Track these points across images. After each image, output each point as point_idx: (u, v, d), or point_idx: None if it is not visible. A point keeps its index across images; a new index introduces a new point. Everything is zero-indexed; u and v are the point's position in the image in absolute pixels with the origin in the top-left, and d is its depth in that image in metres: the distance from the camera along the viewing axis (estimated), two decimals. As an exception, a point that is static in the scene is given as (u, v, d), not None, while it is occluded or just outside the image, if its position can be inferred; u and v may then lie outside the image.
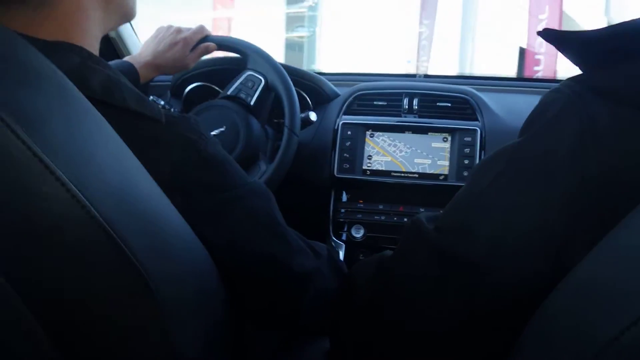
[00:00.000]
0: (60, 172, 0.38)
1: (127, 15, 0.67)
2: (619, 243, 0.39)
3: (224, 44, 1.19)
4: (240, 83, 1.16)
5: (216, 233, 0.59)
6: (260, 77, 1.16)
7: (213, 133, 1.11)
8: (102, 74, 0.56)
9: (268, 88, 1.16)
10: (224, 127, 1.11)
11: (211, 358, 0.57)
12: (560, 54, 0.49)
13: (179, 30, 1.10)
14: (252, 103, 1.15)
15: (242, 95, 1.16)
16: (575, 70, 0.51)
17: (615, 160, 0.44)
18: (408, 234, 0.57)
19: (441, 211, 0.56)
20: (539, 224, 0.46)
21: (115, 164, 0.45)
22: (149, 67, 1.06)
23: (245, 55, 1.17)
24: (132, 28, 1.59)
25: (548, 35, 0.50)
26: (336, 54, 8.00)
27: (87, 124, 0.44)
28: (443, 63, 8.22)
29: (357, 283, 0.61)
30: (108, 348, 0.47)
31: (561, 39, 0.49)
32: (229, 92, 1.16)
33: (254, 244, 0.62)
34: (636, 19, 0.45)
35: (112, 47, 1.55)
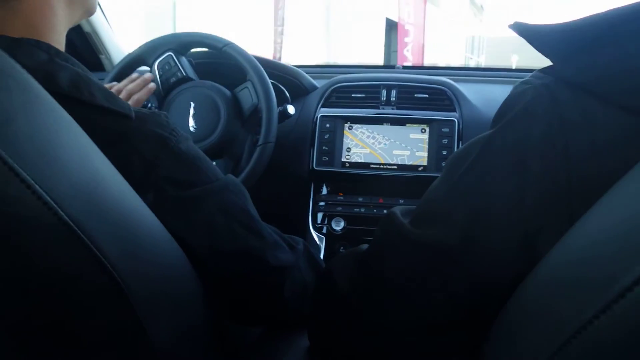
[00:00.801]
0: (25, 173, 0.38)
1: (89, 10, 0.66)
2: (586, 231, 0.40)
3: (195, 40, 1.18)
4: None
5: (190, 229, 0.59)
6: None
7: (191, 112, 1.11)
8: (71, 71, 0.56)
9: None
10: (204, 105, 1.10)
11: (189, 352, 0.57)
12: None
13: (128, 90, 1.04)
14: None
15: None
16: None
17: (583, 150, 0.44)
18: (383, 228, 0.57)
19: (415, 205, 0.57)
20: (513, 210, 0.47)
21: (83, 163, 0.45)
22: None
23: (219, 51, 1.16)
24: (108, 23, 1.57)
25: (518, 28, 0.50)
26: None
27: (52, 123, 0.43)
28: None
29: (335, 278, 0.61)
30: (85, 343, 0.47)
31: (530, 32, 0.50)
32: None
33: (228, 239, 0.61)
34: (600, 14, 0.45)
35: (88, 42, 1.53)
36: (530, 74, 0.52)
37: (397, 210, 0.57)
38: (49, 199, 0.39)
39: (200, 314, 0.60)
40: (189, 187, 0.60)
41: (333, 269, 0.63)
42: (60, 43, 0.59)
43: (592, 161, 0.44)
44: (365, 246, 0.61)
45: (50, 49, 0.56)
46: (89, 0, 0.64)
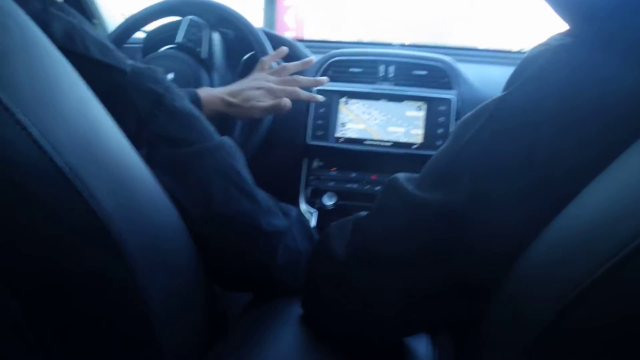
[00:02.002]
0: (21, 115, 0.36)
1: None
2: (590, 199, 0.39)
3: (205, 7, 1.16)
4: (186, 30, 1.11)
5: (183, 188, 0.58)
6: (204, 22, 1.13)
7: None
8: (64, 21, 0.54)
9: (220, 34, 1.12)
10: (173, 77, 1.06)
11: (180, 311, 0.56)
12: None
13: (267, 78, 0.99)
14: (202, 55, 1.11)
15: (191, 45, 1.11)
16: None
17: (597, 113, 0.43)
18: (386, 192, 0.56)
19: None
20: (521, 171, 0.46)
21: (82, 111, 0.43)
22: (219, 101, 0.95)
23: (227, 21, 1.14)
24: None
25: None
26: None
27: (51, 66, 0.42)
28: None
29: (332, 243, 0.61)
30: (74, 302, 0.45)
31: None
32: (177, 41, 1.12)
33: (221, 200, 0.61)
34: None
35: (81, 6, 1.50)
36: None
37: (401, 175, 0.56)
38: (46, 143, 0.38)
39: (192, 274, 0.59)
40: (184, 145, 0.59)
41: (330, 234, 0.63)
42: None
43: (605, 125, 0.43)
44: (363, 213, 0.61)
45: None
46: None
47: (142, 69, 0.59)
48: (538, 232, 0.43)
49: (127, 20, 1.19)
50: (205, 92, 0.95)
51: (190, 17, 1.15)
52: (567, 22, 0.49)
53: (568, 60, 0.46)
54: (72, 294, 0.45)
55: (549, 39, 0.50)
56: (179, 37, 1.13)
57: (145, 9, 1.18)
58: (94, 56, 0.54)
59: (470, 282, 0.50)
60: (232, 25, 1.18)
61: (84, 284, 0.45)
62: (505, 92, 0.50)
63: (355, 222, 0.60)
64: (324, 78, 1.08)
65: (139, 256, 0.46)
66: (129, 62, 0.57)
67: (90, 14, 1.54)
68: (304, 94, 1.01)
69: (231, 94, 0.96)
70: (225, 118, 1.10)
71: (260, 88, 0.97)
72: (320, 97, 1.09)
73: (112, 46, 0.57)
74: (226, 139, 0.65)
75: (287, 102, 0.97)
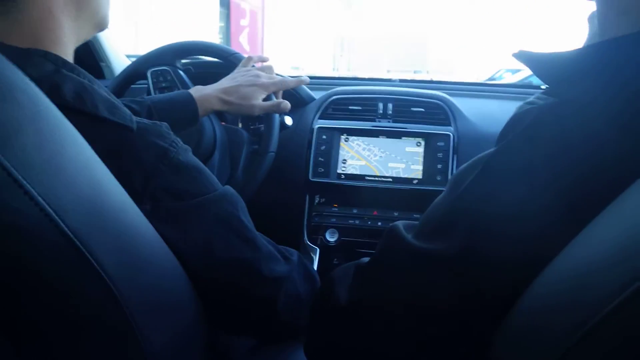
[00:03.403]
0: (29, 185, 0.39)
1: (100, 24, 0.67)
2: (589, 241, 0.41)
3: (209, 50, 1.21)
4: (153, 83, 1.18)
5: (186, 239, 0.60)
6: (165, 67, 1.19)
7: None
8: (76, 82, 0.57)
9: None
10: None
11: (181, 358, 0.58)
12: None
13: (258, 75, 1.04)
14: None
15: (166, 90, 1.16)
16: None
17: (586, 168, 0.46)
18: (386, 241, 0.58)
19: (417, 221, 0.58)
20: (514, 221, 0.48)
21: (86, 175, 0.46)
22: (214, 99, 0.99)
23: (225, 60, 1.18)
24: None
25: (522, 56, 0.53)
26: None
27: (58, 135, 0.44)
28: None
29: (335, 288, 0.62)
30: (80, 353, 0.48)
31: (534, 59, 0.52)
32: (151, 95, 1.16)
33: (223, 249, 0.63)
34: (594, 44, 0.48)
35: (89, 49, 1.55)
36: (522, 89, 0.54)
37: (400, 224, 0.58)
38: (50, 210, 0.40)
39: (194, 324, 0.61)
40: (187, 198, 0.61)
41: (334, 279, 0.64)
42: (67, 55, 0.61)
43: (595, 178, 0.45)
44: (365, 259, 0.63)
45: (57, 60, 0.57)
46: (98, 14, 0.65)
47: (148, 125, 0.61)
48: (536, 270, 0.45)
49: (132, 65, 1.24)
50: (199, 92, 0.99)
51: (150, 70, 1.20)
52: (549, 85, 0.52)
53: (555, 119, 0.48)
54: (71, 337, 0.47)
55: (534, 98, 0.53)
56: (152, 91, 1.18)
57: (148, 54, 1.22)
58: (102, 115, 0.57)
59: (471, 325, 0.52)
60: (209, 54, 1.23)
61: (87, 334, 0.47)
62: (497, 148, 0.52)
63: (358, 269, 0.61)
64: (306, 78, 1.14)
65: (136, 304, 0.48)
66: (135, 119, 0.60)
67: (99, 57, 1.59)
68: (292, 81, 1.09)
69: (226, 92, 1.00)
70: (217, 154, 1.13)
71: (253, 85, 1.02)
72: (306, 78, 1.14)
73: (119, 103, 0.60)
74: (228, 188, 0.67)
75: (287, 104, 1.05)
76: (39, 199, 0.39)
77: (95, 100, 0.57)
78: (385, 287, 0.56)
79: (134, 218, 0.51)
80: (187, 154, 0.63)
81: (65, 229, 0.41)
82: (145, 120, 0.62)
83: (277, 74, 1.10)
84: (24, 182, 0.38)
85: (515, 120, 0.53)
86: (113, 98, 0.60)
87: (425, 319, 0.53)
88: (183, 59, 1.26)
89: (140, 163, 0.58)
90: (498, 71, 9.49)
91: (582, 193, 0.46)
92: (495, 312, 0.48)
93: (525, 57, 0.52)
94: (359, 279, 0.60)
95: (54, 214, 0.40)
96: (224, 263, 0.63)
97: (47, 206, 0.40)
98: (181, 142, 0.63)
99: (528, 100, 0.53)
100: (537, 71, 0.51)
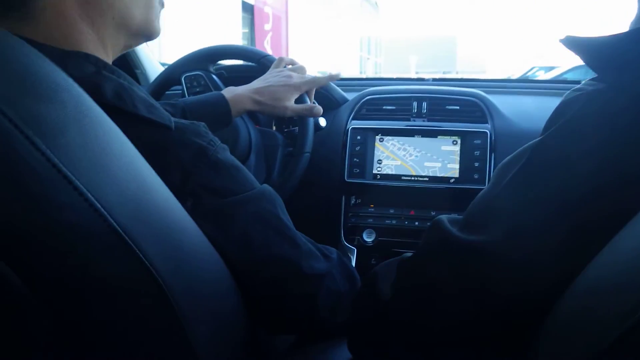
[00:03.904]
0: (77, 181, 0.40)
1: (144, 32, 0.68)
2: (630, 241, 0.40)
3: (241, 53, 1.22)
4: (186, 88, 1.20)
5: (226, 236, 0.60)
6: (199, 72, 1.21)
7: None
8: (116, 82, 0.58)
9: None
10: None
11: (225, 353, 0.58)
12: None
13: (290, 75, 1.04)
14: None
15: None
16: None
17: (633, 156, 0.45)
18: (431, 234, 0.58)
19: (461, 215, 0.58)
20: (558, 211, 0.47)
21: (130, 172, 0.47)
22: (247, 100, 0.99)
23: (257, 62, 1.19)
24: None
25: (569, 41, 0.52)
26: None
27: (102, 133, 0.45)
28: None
29: (378, 286, 0.62)
30: (129, 347, 0.48)
31: (582, 45, 0.51)
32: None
33: (263, 246, 0.63)
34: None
35: (124, 57, 1.58)
36: (557, 84, 0.53)
37: (445, 218, 0.57)
38: (99, 206, 0.41)
39: (236, 318, 0.61)
40: (226, 195, 0.61)
41: (376, 275, 0.64)
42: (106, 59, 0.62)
43: None
44: (408, 254, 0.62)
45: (98, 62, 0.58)
46: (132, 22, 0.66)
47: (186, 124, 0.62)
48: (574, 267, 0.44)
49: (165, 70, 1.26)
50: (231, 93, 0.99)
51: (183, 75, 1.22)
52: (597, 72, 0.51)
53: (603, 106, 0.47)
54: (120, 331, 0.47)
55: (583, 84, 0.52)
56: (186, 95, 1.20)
57: (181, 59, 1.24)
58: (142, 114, 0.58)
59: (515, 312, 0.51)
60: (241, 57, 1.25)
61: (136, 327, 0.48)
62: (543, 136, 0.51)
63: (401, 263, 0.61)
64: (338, 73, 1.13)
65: (182, 300, 0.49)
66: (173, 119, 0.61)
67: (133, 65, 1.62)
68: (323, 78, 1.08)
69: (258, 92, 1.00)
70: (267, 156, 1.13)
71: (285, 85, 1.01)
72: (338, 73, 1.13)
73: (157, 104, 0.61)
74: (266, 187, 0.67)
75: (319, 108, 1.05)
76: (88, 194, 0.40)
77: (134, 99, 0.58)
78: (431, 279, 0.55)
79: (177, 215, 0.52)
80: (225, 153, 0.64)
81: (114, 223, 0.41)
82: (183, 120, 0.62)
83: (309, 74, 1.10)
84: (73, 178, 0.39)
85: (562, 108, 0.52)
86: (151, 99, 0.61)
87: (471, 311, 0.52)
88: (215, 63, 1.27)
89: (179, 161, 0.59)
90: (531, 69, 9.34)
91: (632, 180, 0.45)
92: (539, 301, 0.48)
93: (573, 43, 0.51)
94: (402, 273, 0.60)
95: (102, 209, 0.41)
96: (264, 260, 0.63)
97: (95, 202, 0.40)
98: (219, 141, 0.63)
99: (576, 87, 0.52)
100: (584, 57, 0.50)
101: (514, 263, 0.49)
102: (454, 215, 0.58)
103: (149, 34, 0.69)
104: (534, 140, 0.52)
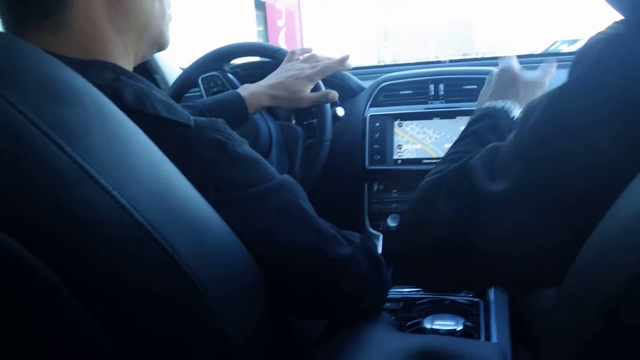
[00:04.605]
0: (103, 180, 0.42)
1: (157, 42, 0.71)
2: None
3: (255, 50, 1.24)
4: (205, 89, 1.22)
5: (250, 226, 0.62)
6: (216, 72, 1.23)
7: None
8: (135, 87, 0.60)
9: None
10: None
11: (260, 346, 0.60)
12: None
13: (301, 68, 1.05)
14: None
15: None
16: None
17: None
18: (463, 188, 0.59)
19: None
20: (583, 159, 0.47)
21: (153, 169, 0.48)
22: (263, 96, 1.01)
23: (271, 56, 1.21)
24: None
25: None
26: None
27: (123, 134, 0.47)
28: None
29: (437, 206, 0.62)
30: (165, 341, 0.50)
31: None
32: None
33: (287, 235, 0.64)
34: None
35: (143, 62, 1.61)
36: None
37: (479, 165, 0.58)
38: (125, 202, 0.43)
39: (267, 309, 0.63)
40: (248, 187, 0.63)
41: (424, 199, 0.67)
42: (126, 67, 0.64)
43: None
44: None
45: (116, 68, 0.61)
46: (150, 31, 0.69)
47: (205, 121, 0.64)
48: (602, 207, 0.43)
49: (183, 73, 1.28)
50: (247, 91, 1.01)
51: (200, 76, 1.25)
52: (621, 12, 0.49)
53: (625, 48, 0.46)
54: (158, 328, 0.49)
55: (606, 28, 0.50)
56: (204, 96, 1.22)
57: (198, 61, 1.26)
58: (162, 115, 0.60)
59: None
60: (254, 53, 1.26)
61: (167, 319, 0.49)
62: (564, 83, 0.51)
63: (462, 170, 0.61)
64: (346, 55, 1.11)
65: (213, 292, 0.50)
66: (192, 117, 0.63)
67: (152, 70, 1.65)
68: (334, 63, 1.08)
69: (273, 88, 1.02)
70: (288, 148, 1.15)
71: (297, 77, 1.03)
72: (346, 55, 1.11)
73: (176, 104, 0.63)
74: (287, 177, 0.69)
75: (334, 93, 1.07)
76: (114, 192, 0.42)
77: (154, 102, 0.60)
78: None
79: (201, 208, 0.54)
80: (244, 146, 0.65)
81: (141, 219, 0.43)
82: (202, 118, 0.64)
83: (321, 58, 1.10)
84: (99, 177, 0.41)
85: (582, 54, 0.51)
86: (170, 100, 0.63)
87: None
88: (230, 62, 1.29)
89: (200, 157, 0.61)
90: (554, 43, 9.15)
91: None
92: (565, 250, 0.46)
93: None
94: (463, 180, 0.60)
95: (128, 205, 0.43)
96: (289, 248, 0.64)
97: (121, 198, 0.42)
98: (238, 135, 0.65)
99: (599, 31, 0.51)
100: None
101: (543, 205, 0.49)
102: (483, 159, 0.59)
103: (162, 45, 0.72)
104: (555, 87, 0.52)
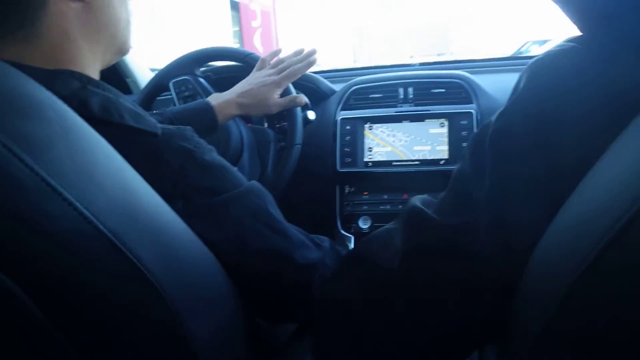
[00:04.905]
0: (66, 192, 0.42)
1: (121, 49, 0.71)
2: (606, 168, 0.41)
3: (227, 54, 1.24)
4: (176, 93, 1.24)
5: (218, 233, 0.63)
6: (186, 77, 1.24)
7: None
8: (102, 96, 0.61)
9: None
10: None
11: (227, 350, 0.61)
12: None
13: (268, 74, 1.08)
14: None
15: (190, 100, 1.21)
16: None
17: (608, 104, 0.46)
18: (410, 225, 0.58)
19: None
20: (537, 173, 0.48)
21: (117, 179, 0.49)
22: (232, 105, 1.04)
23: (242, 61, 1.21)
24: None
25: None
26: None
27: (88, 145, 0.48)
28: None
29: (378, 258, 0.60)
30: (129, 350, 0.51)
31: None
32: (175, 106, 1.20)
33: (255, 241, 0.65)
34: None
35: (114, 66, 1.60)
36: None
37: (418, 202, 0.59)
38: (88, 214, 0.43)
39: (235, 314, 0.64)
40: (216, 194, 0.64)
41: (371, 251, 0.63)
42: (91, 75, 0.64)
43: (613, 114, 0.44)
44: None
45: (82, 78, 0.61)
46: (117, 40, 0.69)
47: (172, 130, 0.64)
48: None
49: (155, 77, 1.28)
50: (217, 100, 1.04)
51: (171, 81, 1.26)
52: (576, 23, 0.51)
53: (575, 63, 0.48)
54: (120, 336, 0.50)
55: (551, 48, 0.52)
56: (176, 101, 1.23)
57: (169, 65, 1.26)
58: (129, 123, 0.60)
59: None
60: (226, 58, 1.27)
61: (130, 327, 0.50)
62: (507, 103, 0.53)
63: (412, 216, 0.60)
64: (313, 49, 1.13)
65: (179, 300, 0.51)
66: (160, 125, 0.63)
67: (123, 74, 1.64)
68: (301, 67, 1.10)
69: (242, 95, 1.05)
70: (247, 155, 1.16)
71: (264, 84, 1.06)
72: (312, 50, 1.13)
73: (144, 113, 0.64)
74: (254, 183, 0.70)
75: (302, 97, 1.11)
76: (77, 204, 0.42)
77: (121, 111, 0.60)
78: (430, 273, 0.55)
79: (167, 217, 0.54)
80: (212, 154, 0.66)
81: (104, 229, 0.44)
82: (170, 126, 0.65)
83: (287, 61, 1.12)
84: (61, 189, 0.42)
85: (530, 70, 0.52)
86: (138, 108, 0.64)
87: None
88: (202, 66, 1.30)
89: (168, 165, 0.61)
90: (524, 44, 9.26)
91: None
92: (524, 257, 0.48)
93: None
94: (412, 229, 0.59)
95: (91, 217, 0.43)
96: (257, 253, 0.65)
97: (84, 210, 0.43)
98: (205, 143, 0.66)
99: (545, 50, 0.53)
100: (564, 8, 0.50)
101: (500, 235, 0.50)
102: (426, 197, 0.60)
103: (125, 52, 0.73)
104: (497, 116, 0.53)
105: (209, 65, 1.38)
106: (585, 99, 0.47)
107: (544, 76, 0.50)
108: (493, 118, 0.54)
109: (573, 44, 0.51)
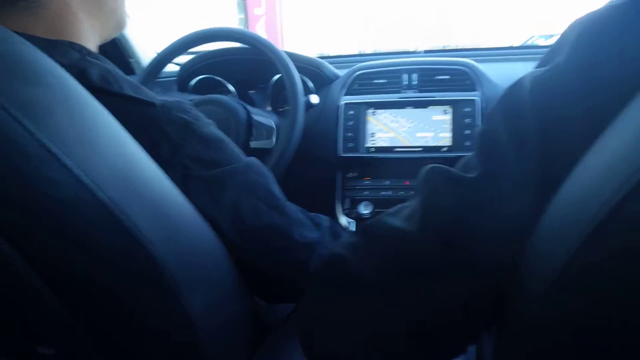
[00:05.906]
0: (66, 158, 0.42)
1: (118, 24, 0.71)
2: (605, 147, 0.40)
3: (231, 35, 1.23)
4: None
5: (216, 207, 0.62)
6: None
7: None
8: (101, 67, 0.60)
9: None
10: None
11: (224, 325, 0.61)
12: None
13: None
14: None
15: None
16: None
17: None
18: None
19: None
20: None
21: (117, 148, 0.49)
22: None
23: (252, 46, 1.21)
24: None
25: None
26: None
27: (88, 113, 0.47)
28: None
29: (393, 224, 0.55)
30: (128, 323, 0.51)
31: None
32: None
33: (253, 215, 0.65)
34: None
35: (117, 47, 1.59)
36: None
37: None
38: (88, 180, 0.43)
39: (231, 286, 0.63)
40: (214, 167, 0.64)
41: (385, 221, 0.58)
42: (89, 48, 0.64)
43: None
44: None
45: (82, 49, 0.61)
46: (115, 14, 0.69)
47: (171, 102, 0.64)
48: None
49: (157, 56, 1.27)
50: None
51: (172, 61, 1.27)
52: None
53: (620, 21, 0.44)
54: (121, 309, 0.50)
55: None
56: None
57: (172, 44, 1.26)
58: (127, 93, 0.60)
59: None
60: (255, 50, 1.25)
61: (129, 297, 0.50)
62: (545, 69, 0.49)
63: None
64: None
65: (178, 272, 0.51)
66: (160, 98, 0.63)
67: (126, 54, 1.63)
68: None
69: None
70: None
71: None
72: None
73: (142, 86, 0.64)
74: (253, 159, 0.69)
75: None
76: (77, 170, 0.42)
77: (119, 81, 0.60)
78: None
79: (166, 187, 0.54)
80: (210, 127, 0.66)
81: (104, 196, 0.44)
82: (169, 99, 0.65)
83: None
84: (62, 155, 0.42)
85: (570, 30, 0.48)
86: (136, 82, 0.64)
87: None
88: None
89: (167, 135, 0.61)
90: (530, 38, 9.20)
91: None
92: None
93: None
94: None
95: (91, 184, 0.43)
96: (255, 228, 0.65)
97: (85, 177, 0.43)
98: (204, 116, 0.66)
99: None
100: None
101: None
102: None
103: (122, 28, 0.73)
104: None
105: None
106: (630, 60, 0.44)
107: (594, 34, 0.46)
108: (526, 80, 0.50)
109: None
